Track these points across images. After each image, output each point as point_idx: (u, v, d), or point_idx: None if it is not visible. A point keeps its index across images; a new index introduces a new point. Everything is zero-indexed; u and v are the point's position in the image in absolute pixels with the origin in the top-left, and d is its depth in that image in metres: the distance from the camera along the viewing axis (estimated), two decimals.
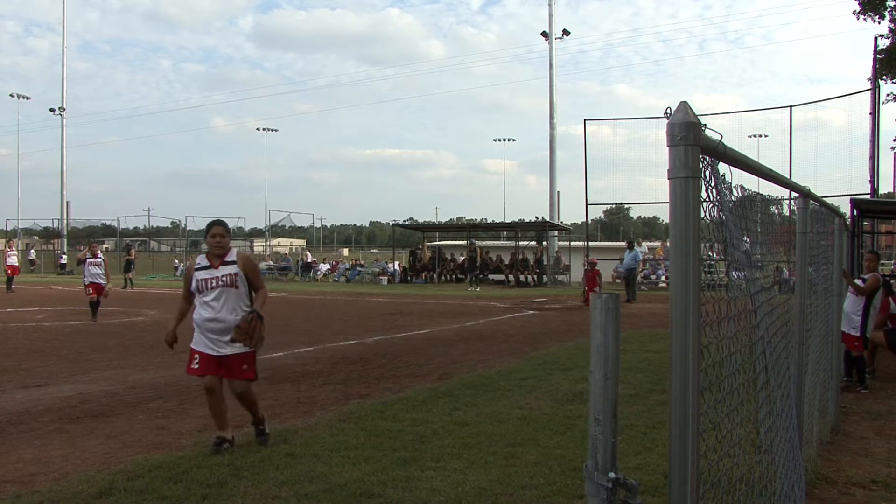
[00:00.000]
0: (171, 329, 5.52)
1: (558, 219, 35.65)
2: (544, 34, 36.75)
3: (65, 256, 45.08)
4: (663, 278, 27.86)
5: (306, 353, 10.61)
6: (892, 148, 22.30)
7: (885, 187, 22.49)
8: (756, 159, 2.64)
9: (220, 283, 5.33)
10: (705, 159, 1.92)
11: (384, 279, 33.29)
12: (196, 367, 5.34)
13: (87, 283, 15.48)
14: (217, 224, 5.50)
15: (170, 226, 67.55)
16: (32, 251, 46.69)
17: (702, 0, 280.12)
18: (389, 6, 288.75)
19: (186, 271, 5.58)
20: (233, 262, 5.41)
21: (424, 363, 9.56)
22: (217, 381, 5.30)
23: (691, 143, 1.78)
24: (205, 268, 5.41)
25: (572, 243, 35.10)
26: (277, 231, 57.27)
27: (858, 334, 8.13)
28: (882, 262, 16.66)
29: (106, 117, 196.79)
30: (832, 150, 23.22)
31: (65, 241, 49.75)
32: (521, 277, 30.22)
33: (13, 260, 27.35)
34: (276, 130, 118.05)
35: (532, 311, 18.17)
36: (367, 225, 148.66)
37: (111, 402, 7.21)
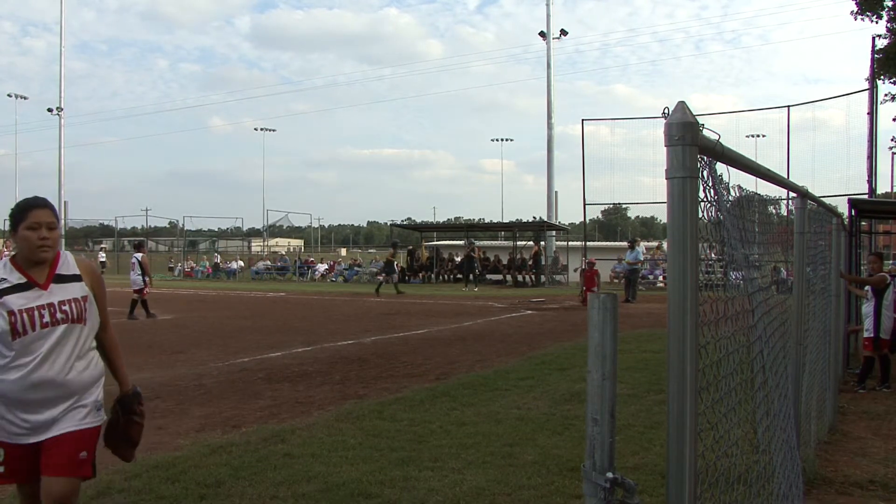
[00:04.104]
0: None
1: (556, 219, 35.65)
2: (542, 34, 36.71)
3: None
4: (661, 278, 27.87)
5: (304, 353, 10.60)
6: (890, 148, 22.36)
7: (882, 187, 22.53)
8: (754, 159, 2.64)
9: (62, 316, 2.93)
10: (703, 159, 1.91)
11: (382, 279, 33.20)
12: (1, 470, 2.96)
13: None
14: (40, 205, 2.97)
15: (168, 226, 67.62)
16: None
17: (698, 0, 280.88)
18: (387, 6, 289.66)
19: None
20: (75, 277, 3.02)
21: (422, 363, 9.56)
22: (38, 486, 2.98)
23: (689, 143, 1.78)
24: (18, 287, 2.89)
25: (570, 243, 35.10)
26: (275, 231, 57.31)
27: (872, 335, 8.11)
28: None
29: (103, 117, 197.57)
30: (830, 150, 23.19)
31: (62, 241, 49.69)
32: (519, 277, 30.22)
33: None
34: (273, 130, 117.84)
35: (530, 311, 18.16)
36: (365, 225, 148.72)
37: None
